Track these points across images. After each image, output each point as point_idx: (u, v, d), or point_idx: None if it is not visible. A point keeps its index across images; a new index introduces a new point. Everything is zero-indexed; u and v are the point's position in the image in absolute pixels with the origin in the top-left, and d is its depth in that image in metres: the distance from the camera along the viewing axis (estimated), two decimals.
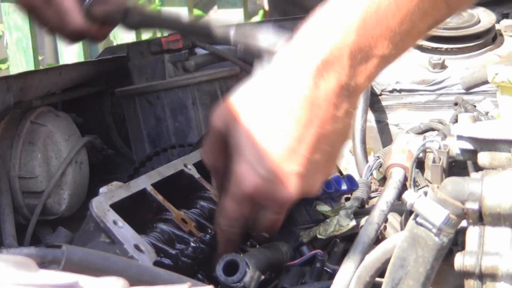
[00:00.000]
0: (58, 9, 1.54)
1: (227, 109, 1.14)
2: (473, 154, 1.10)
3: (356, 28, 1.07)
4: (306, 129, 1.09)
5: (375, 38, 1.08)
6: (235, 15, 3.57)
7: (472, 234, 0.98)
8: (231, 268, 1.08)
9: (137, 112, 1.72)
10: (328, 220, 1.21)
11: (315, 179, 1.13)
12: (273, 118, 1.10)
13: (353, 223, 1.20)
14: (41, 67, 3.66)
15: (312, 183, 1.13)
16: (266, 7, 4.49)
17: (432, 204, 0.97)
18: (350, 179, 1.30)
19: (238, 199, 1.13)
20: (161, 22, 1.62)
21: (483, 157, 1.08)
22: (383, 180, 1.37)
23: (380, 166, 1.38)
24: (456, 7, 1.13)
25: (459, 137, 1.11)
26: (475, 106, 1.53)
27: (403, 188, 1.22)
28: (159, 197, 1.22)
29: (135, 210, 1.20)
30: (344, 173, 1.52)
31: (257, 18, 4.61)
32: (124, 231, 1.12)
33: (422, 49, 1.62)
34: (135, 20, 1.58)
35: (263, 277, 1.11)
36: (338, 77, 1.08)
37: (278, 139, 1.09)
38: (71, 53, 3.76)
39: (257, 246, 1.21)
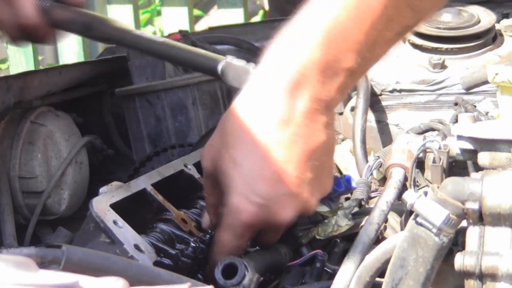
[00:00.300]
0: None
1: (212, 147, 1.15)
2: (473, 154, 1.10)
3: (321, 44, 1.08)
4: (290, 150, 1.09)
5: (341, 52, 1.08)
6: (235, 15, 3.56)
7: (472, 234, 0.98)
8: (230, 271, 1.08)
9: (137, 112, 1.72)
10: (326, 220, 1.21)
11: (311, 196, 1.13)
12: (256, 145, 1.10)
13: (351, 223, 1.20)
14: (41, 67, 3.65)
15: (309, 200, 1.13)
16: (266, 7, 4.49)
17: (432, 204, 0.97)
18: (348, 179, 1.29)
19: (236, 231, 1.12)
20: (130, 42, 1.44)
21: (483, 157, 1.08)
22: (383, 180, 1.37)
23: (380, 166, 1.38)
24: (422, 12, 1.13)
25: (459, 137, 1.11)
26: (475, 106, 1.53)
27: (403, 188, 1.22)
28: (159, 197, 1.22)
29: (135, 210, 1.20)
30: (344, 173, 1.52)
31: (257, 18, 4.61)
32: (124, 231, 1.12)
33: (422, 49, 1.62)
34: (98, 35, 1.45)
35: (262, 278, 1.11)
36: (310, 94, 1.09)
37: (265, 165, 1.10)
38: (71, 53, 3.76)
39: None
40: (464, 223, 0.99)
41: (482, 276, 0.97)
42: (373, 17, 1.07)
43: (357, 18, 1.08)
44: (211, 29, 2.05)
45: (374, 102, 1.61)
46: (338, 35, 1.08)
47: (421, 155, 1.22)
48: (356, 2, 1.07)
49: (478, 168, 1.10)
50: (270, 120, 1.10)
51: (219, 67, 1.30)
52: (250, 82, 1.14)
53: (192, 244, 1.14)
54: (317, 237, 1.20)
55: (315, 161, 1.11)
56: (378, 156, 1.39)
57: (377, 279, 1.05)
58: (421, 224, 0.97)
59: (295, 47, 1.09)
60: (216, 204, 1.17)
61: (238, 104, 1.13)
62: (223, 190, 1.13)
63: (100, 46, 3.71)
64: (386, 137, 1.62)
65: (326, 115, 1.11)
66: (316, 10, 1.10)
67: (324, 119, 1.11)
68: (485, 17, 1.63)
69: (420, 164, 1.22)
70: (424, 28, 1.59)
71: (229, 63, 1.29)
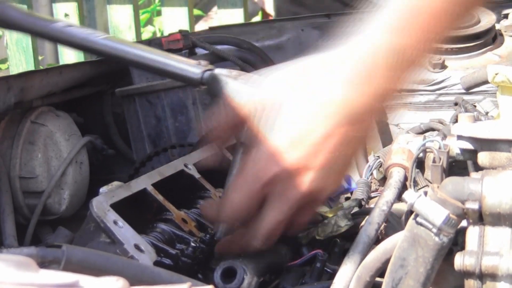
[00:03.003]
0: None
1: (254, 102, 1.13)
2: (473, 154, 1.10)
3: (393, 29, 1.07)
4: (333, 130, 1.09)
5: (410, 39, 1.07)
6: (235, 15, 3.57)
7: (472, 234, 0.98)
8: (229, 275, 1.08)
9: (137, 112, 1.72)
10: (326, 221, 1.21)
11: (330, 180, 1.12)
12: (304, 114, 1.09)
13: (351, 223, 1.20)
14: (41, 67, 3.66)
15: (326, 183, 1.12)
16: (266, 8, 4.49)
17: (432, 204, 0.97)
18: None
19: (249, 190, 1.11)
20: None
21: (483, 157, 1.08)
22: (383, 180, 1.37)
23: (380, 166, 1.38)
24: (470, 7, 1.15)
25: (459, 137, 1.11)
26: (475, 106, 1.53)
27: (403, 188, 1.22)
28: (160, 197, 1.22)
29: (135, 210, 1.20)
30: None
31: (257, 18, 4.61)
32: (124, 231, 1.12)
33: None
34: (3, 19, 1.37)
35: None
36: (372, 80, 1.08)
37: (307, 134, 1.09)
38: (71, 53, 3.76)
39: None
40: (464, 223, 0.99)
41: (482, 276, 0.97)
42: (443, 9, 1.08)
43: (430, 7, 1.07)
44: (211, 29, 2.05)
45: None
46: (411, 21, 1.07)
47: (421, 155, 1.22)
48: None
49: (478, 168, 1.10)
50: (327, 96, 1.09)
51: (200, 75, 1.27)
52: (316, 55, 1.13)
53: (192, 244, 1.14)
54: (317, 237, 1.20)
55: (348, 148, 1.10)
56: (378, 156, 1.39)
57: (377, 279, 1.05)
58: (421, 224, 0.97)
59: (367, 29, 1.09)
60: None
61: (298, 72, 1.12)
62: (252, 138, 1.12)
63: None
64: (386, 137, 1.62)
65: (383, 104, 1.11)
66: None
67: (380, 108, 1.11)
68: (485, 17, 1.63)
69: (420, 164, 1.22)
70: None
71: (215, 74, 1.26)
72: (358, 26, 1.10)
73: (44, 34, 1.38)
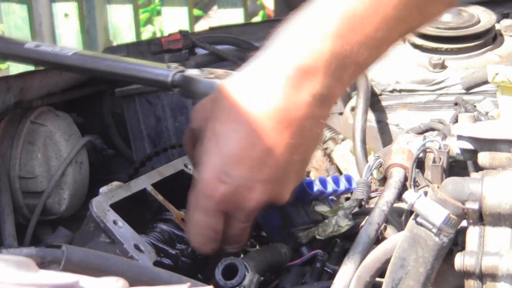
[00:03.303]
0: None
1: (202, 108, 1.13)
2: (473, 154, 1.10)
3: (333, 35, 1.05)
4: (275, 140, 1.07)
5: (350, 45, 1.06)
6: (235, 15, 3.57)
7: (472, 234, 0.98)
8: (230, 272, 1.08)
9: (137, 112, 1.72)
10: (326, 220, 1.21)
11: (284, 188, 1.12)
12: (242, 127, 1.08)
13: (351, 223, 1.20)
14: (41, 67, 3.65)
15: (281, 191, 1.12)
16: (267, 3, 4.48)
17: (432, 204, 0.97)
18: (348, 179, 1.29)
19: (204, 208, 1.11)
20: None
21: (483, 157, 1.08)
22: (383, 180, 1.36)
23: (380, 166, 1.37)
24: (428, 15, 1.13)
25: (459, 137, 1.11)
26: (475, 106, 1.53)
27: (403, 188, 1.22)
28: (159, 197, 1.22)
29: (135, 210, 1.20)
30: (344, 173, 1.52)
31: (257, 18, 4.61)
32: (124, 231, 1.12)
33: (422, 49, 1.62)
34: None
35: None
36: (311, 86, 1.07)
37: (247, 149, 1.08)
38: None
39: (257, 246, 1.21)
40: (464, 223, 0.99)
41: (482, 276, 0.97)
42: (386, 14, 1.06)
43: (371, 12, 1.06)
44: (211, 29, 2.05)
45: (374, 102, 1.61)
46: (350, 26, 1.05)
47: (421, 155, 1.22)
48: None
49: (478, 168, 1.10)
50: (264, 106, 1.07)
51: (170, 78, 1.26)
52: (254, 60, 1.10)
53: None
54: (317, 237, 1.20)
55: (296, 155, 1.09)
56: (378, 156, 1.39)
57: (377, 279, 1.05)
58: (421, 224, 0.97)
59: (305, 35, 1.07)
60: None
61: (237, 80, 1.11)
62: (198, 158, 1.11)
63: (100, 46, 3.71)
64: (386, 137, 1.62)
65: (320, 113, 1.09)
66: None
67: (316, 117, 1.09)
68: (485, 17, 1.63)
69: (420, 164, 1.22)
70: (424, 28, 1.59)
71: (186, 76, 1.25)
72: (299, 25, 1.08)
73: (17, 56, 1.43)
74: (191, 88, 1.22)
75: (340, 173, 1.53)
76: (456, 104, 1.55)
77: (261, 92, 1.08)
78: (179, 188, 1.29)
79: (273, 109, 1.07)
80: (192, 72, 1.23)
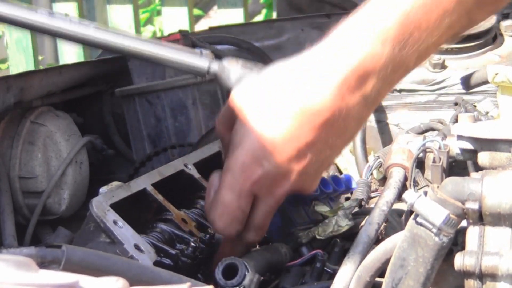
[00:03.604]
0: None
1: (246, 93, 1.13)
2: (473, 154, 1.10)
3: (391, 40, 1.05)
4: (319, 137, 1.08)
5: (406, 50, 1.06)
6: (235, 15, 3.56)
7: (472, 234, 0.98)
8: (230, 272, 1.08)
9: (137, 112, 1.72)
10: (326, 220, 1.21)
11: (314, 180, 1.15)
12: (290, 119, 1.08)
13: (351, 223, 1.20)
14: (41, 67, 3.66)
15: (311, 183, 1.14)
16: None
17: (432, 204, 0.97)
18: (348, 179, 1.30)
19: (237, 191, 1.12)
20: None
21: (483, 157, 1.08)
22: (383, 180, 1.37)
23: (380, 166, 1.38)
24: (473, 22, 1.13)
25: (459, 137, 1.11)
26: (475, 106, 1.53)
27: (403, 188, 1.22)
28: (159, 197, 1.22)
29: (135, 210, 1.20)
30: (344, 173, 1.52)
31: (257, 18, 4.61)
32: (124, 231, 1.12)
33: None
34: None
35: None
36: (364, 89, 1.07)
37: (291, 140, 1.08)
38: (71, 53, 3.76)
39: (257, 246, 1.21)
40: (464, 223, 0.99)
41: (482, 276, 0.97)
42: (440, 21, 1.06)
43: (426, 18, 1.05)
44: (211, 29, 2.05)
45: None
46: (409, 32, 1.05)
47: (421, 155, 1.22)
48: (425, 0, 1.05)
49: (478, 168, 1.10)
50: (315, 102, 1.07)
51: (207, 65, 1.26)
52: (309, 53, 1.10)
53: (192, 244, 1.14)
54: (318, 237, 1.20)
55: (332, 151, 1.11)
56: (378, 156, 1.39)
57: (377, 279, 1.05)
58: (421, 224, 0.97)
59: (365, 36, 1.06)
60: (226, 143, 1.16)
61: (289, 69, 1.10)
62: (233, 138, 1.12)
63: None
64: (386, 137, 1.62)
65: (368, 111, 1.10)
66: (387, 1, 1.07)
67: (365, 115, 1.10)
68: None
69: (420, 164, 1.22)
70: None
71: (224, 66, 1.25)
72: (352, 28, 1.08)
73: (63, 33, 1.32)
74: (228, 77, 1.21)
75: (340, 173, 1.53)
76: (456, 104, 1.55)
77: (313, 87, 1.07)
78: (179, 188, 1.29)
79: (324, 107, 1.07)
80: (227, 62, 1.24)
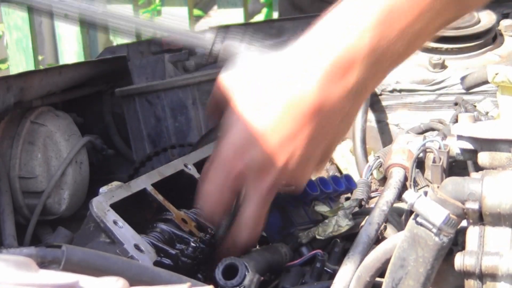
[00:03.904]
0: None
1: (233, 79, 1.12)
2: (473, 154, 1.10)
3: (372, 29, 1.05)
4: (304, 127, 1.07)
5: (387, 40, 1.06)
6: (235, 15, 3.56)
7: (472, 234, 0.98)
8: (230, 272, 1.08)
9: (137, 112, 1.72)
10: (326, 220, 1.21)
11: (301, 176, 1.13)
12: (272, 110, 1.08)
13: (351, 223, 1.20)
14: (41, 67, 3.66)
15: (297, 180, 1.13)
16: None
17: (432, 204, 0.97)
18: (348, 179, 1.30)
19: (221, 185, 1.11)
20: None
21: (483, 157, 1.08)
22: (383, 180, 1.36)
23: (380, 166, 1.37)
24: (465, 7, 1.12)
25: (459, 137, 1.11)
26: (475, 106, 1.53)
27: (403, 188, 1.22)
28: (159, 197, 1.22)
29: (135, 210, 1.20)
30: (344, 173, 1.52)
31: (257, 17, 4.61)
32: (124, 231, 1.12)
33: (422, 49, 1.62)
34: None
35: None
36: (346, 81, 1.06)
37: (272, 132, 1.08)
38: (71, 53, 3.76)
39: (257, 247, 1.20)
40: (464, 223, 0.99)
41: (482, 276, 0.97)
42: (423, 8, 1.05)
43: (409, 6, 1.05)
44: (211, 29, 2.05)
45: (374, 102, 1.61)
46: (388, 20, 1.05)
47: (421, 155, 1.22)
48: None
49: (478, 168, 1.10)
50: (297, 94, 1.07)
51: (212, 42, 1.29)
52: (294, 46, 1.10)
53: (192, 244, 1.14)
54: (318, 237, 1.20)
55: (321, 144, 1.10)
56: (378, 156, 1.39)
57: (377, 279, 1.05)
58: (421, 224, 0.97)
59: (345, 28, 1.07)
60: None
61: (272, 61, 1.11)
62: (223, 126, 1.11)
63: (100, 46, 3.71)
64: (386, 137, 1.62)
65: (353, 106, 1.09)
66: None
67: (348, 109, 1.09)
68: (485, 17, 1.63)
69: (420, 164, 1.22)
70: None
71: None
72: (333, 20, 1.08)
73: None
74: (230, 56, 1.23)
75: (340, 173, 1.53)
76: (456, 104, 1.55)
77: (295, 80, 1.08)
78: (179, 188, 1.29)
79: (304, 98, 1.07)
80: (231, 42, 1.27)
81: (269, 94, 1.08)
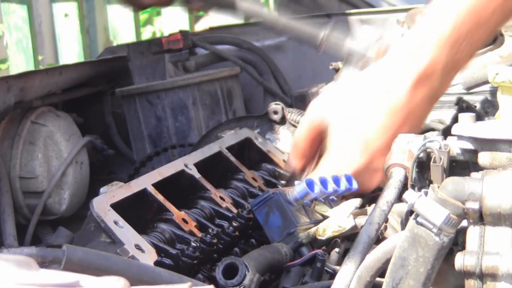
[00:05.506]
0: None
1: (324, 106, 1.33)
2: (473, 154, 1.10)
3: (449, 44, 1.24)
4: (401, 129, 1.27)
5: (461, 52, 1.25)
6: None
7: (473, 234, 0.98)
8: (231, 271, 1.08)
9: (137, 112, 1.73)
10: (327, 220, 1.21)
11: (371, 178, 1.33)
12: (378, 117, 1.28)
13: (352, 223, 1.20)
14: (41, 67, 3.66)
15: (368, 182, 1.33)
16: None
17: (433, 204, 0.97)
18: (349, 179, 1.30)
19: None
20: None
21: (484, 157, 1.08)
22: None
23: None
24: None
25: (460, 137, 1.11)
26: (475, 106, 1.53)
27: (404, 188, 1.21)
28: (160, 197, 1.22)
29: (135, 210, 1.20)
30: None
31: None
32: (124, 231, 1.12)
33: None
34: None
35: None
36: (428, 89, 1.28)
37: (383, 134, 1.28)
38: (71, 53, 3.76)
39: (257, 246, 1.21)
40: (464, 223, 0.99)
41: (482, 276, 0.97)
42: (489, 25, 1.25)
43: (476, 22, 1.23)
44: (211, 29, 2.06)
45: None
46: (463, 35, 1.24)
47: (421, 155, 1.22)
48: (476, 7, 1.23)
49: (478, 168, 1.10)
50: (392, 105, 1.28)
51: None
52: (385, 61, 1.31)
53: (193, 244, 1.14)
54: (318, 237, 1.20)
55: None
56: None
57: (378, 279, 1.05)
58: (421, 224, 0.97)
59: (426, 42, 1.26)
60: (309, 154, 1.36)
61: (365, 80, 1.32)
62: (325, 141, 1.32)
63: (100, 46, 3.71)
64: None
65: (431, 106, 1.31)
66: (445, 7, 1.25)
67: (429, 110, 1.31)
68: None
69: (420, 164, 1.22)
70: None
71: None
72: (416, 36, 1.27)
73: None
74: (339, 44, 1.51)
75: None
76: (456, 104, 1.55)
77: (390, 90, 1.29)
78: (179, 188, 1.29)
79: (399, 108, 1.29)
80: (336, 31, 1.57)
81: (371, 105, 1.29)
